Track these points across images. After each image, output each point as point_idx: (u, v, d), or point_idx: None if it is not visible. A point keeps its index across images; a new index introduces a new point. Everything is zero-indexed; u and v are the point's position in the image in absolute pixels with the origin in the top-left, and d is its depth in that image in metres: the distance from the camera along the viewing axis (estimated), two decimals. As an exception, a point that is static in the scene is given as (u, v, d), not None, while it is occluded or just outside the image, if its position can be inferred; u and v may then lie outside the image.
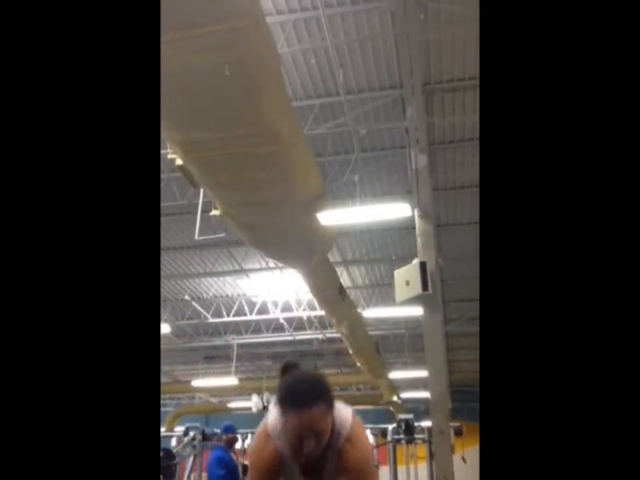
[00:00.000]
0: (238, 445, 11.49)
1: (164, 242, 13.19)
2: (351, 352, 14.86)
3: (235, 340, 18.92)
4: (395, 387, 21.39)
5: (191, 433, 10.76)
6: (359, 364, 16.16)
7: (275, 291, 15.52)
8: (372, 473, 2.64)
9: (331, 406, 2.43)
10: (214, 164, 6.15)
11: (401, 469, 11.19)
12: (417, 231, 9.47)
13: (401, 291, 8.87)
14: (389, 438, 10.68)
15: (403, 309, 12.28)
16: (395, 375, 19.78)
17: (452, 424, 9.73)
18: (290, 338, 18.17)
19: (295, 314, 16.66)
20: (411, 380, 20.19)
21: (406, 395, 22.32)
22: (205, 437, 10.84)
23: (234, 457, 9.52)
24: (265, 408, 17.97)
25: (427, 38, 8.03)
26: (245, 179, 6.36)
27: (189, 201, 10.56)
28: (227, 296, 16.89)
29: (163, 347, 14.86)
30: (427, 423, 10.23)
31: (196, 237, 9.33)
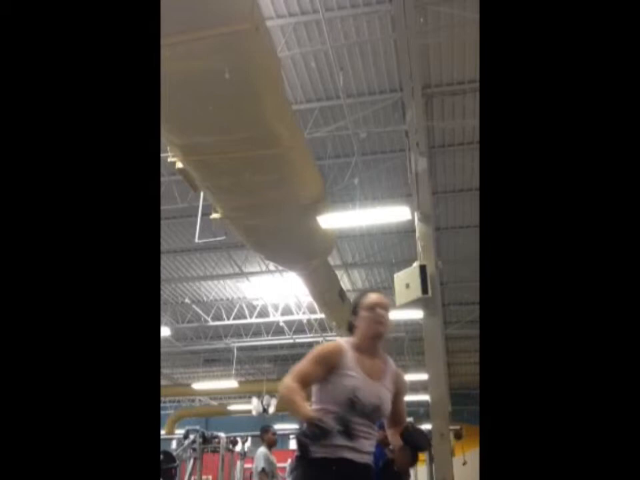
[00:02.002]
0: (238, 448, 11.46)
1: (164, 245, 13.19)
2: (351, 355, 14.81)
3: (235, 343, 18.90)
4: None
5: (191, 436, 10.75)
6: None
7: (275, 294, 15.51)
8: None
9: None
10: (214, 167, 6.16)
11: (401, 472, 11.15)
12: (417, 234, 9.47)
13: (400, 294, 8.87)
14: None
15: (403, 312, 12.26)
16: (395, 377, 19.72)
17: (452, 427, 9.72)
18: (290, 341, 18.16)
19: (295, 317, 16.64)
20: (411, 383, 20.09)
21: (406, 397, 22.26)
22: (205, 440, 10.83)
23: None
24: (265, 411, 17.95)
25: (426, 41, 8.04)
26: (245, 182, 6.37)
27: (189, 204, 10.57)
28: (227, 299, 16.87)
29: (163, 350, 14.84)
30: (426, 426, 10.21)
31: (196, 240, 9.33)
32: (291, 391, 2.76)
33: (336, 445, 2.74)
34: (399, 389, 3.05)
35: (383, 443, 8.19)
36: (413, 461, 2.96)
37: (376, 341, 2.99)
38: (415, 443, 2.94)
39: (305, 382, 2.84)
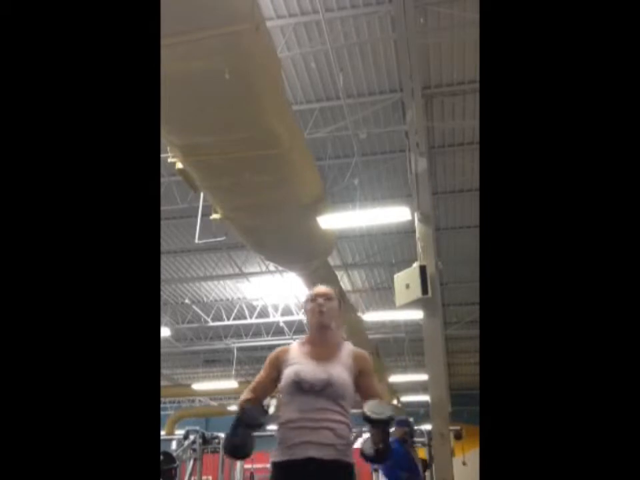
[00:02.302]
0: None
1: (164, 246, 13.19)
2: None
3: (235, 343, 18.91)
4: (395, 390, 21.36)
5: (191, 437, 10.73)
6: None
7: (275, 294, 15.51)
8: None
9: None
10: (214, 167, 6.16)
11: (401, 473, 11.16)
12: (417, 234, 9.48)
13: (400, 295, 8.88)
14: (389, 441, 10.63)
15: (403, 313, 12.29)
16: (395, 378, 19.73)
17: (452, 427, 9.73)
18: (290, 341, 18.11)
19: (295, 317, 16.64)
20: (411, 383, 20.15)
21: (406, 398, 22.28)
22: (205, 440, 10.82)
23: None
24: (265, 412, 17.94)
25: (426, 42, 8.05)
26: (245, 182, 6.37)
27: (190, 205, 10.57)
28: (227, 299, 16.87)
29: (163, 350, 14.83)
30: (426, 427, 10.21)
31: (196, 241, 9.33)
32: (240, 401, 2.98)
33: (295, 444, 2.69)
34: (362, 368, 2.93)
35: (402, 440, 7.92)
36: (383, 435, 2.74)
37: (321, 330, 2.99)
38: (372, 418, 2.71)
39: (257, 389, 3.04)
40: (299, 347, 3.01)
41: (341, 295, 11.23)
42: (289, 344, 3.15)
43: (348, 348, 3.00)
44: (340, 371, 2.83)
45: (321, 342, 2.97)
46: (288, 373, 2.85)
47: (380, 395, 2.93)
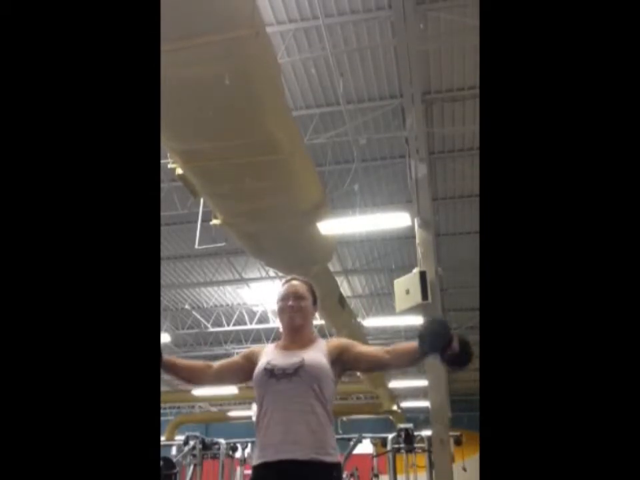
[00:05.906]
0: (238, 454, 11.43)
1: (164, 251, 13.17)
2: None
3: (235, 349, 18.88)
4: (395, 396, 21.32)
5: (191, 442, 10.71)
6: (358, 373, 16.12)
7: (275, 300, 15.46)
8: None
9: (312, 290, 3.04)
10: (214, 173, 6.16)
11: (401, 478, 11.15)
12: (417, 240, 9.48)
13: (400, 300, 8.88)
14: (389, 447, 10.63)
15: (403, 318, 12.28)
16: (395, 384, 19.71)
17: (452, 433, 9.71)
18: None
19: (294, 323, 16.59)
20: (411, 389, 20.12)
21: (406, 404, 22.25)
22: (205, 446, 10.80)
23: None
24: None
25: (426, 47, 8.05)
26: (245, 188, 6.37)
27: (189, 211, 10.56)
28: (227, 305, 16.86)
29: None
30: (426, 432, 10.19)
31: (196, 247, 9.33)
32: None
33: (268, 445, 2.59)
34: (342, 347, 2.82)
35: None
36: (449, 348, 2.53)
37: (292, 331, 2.90)
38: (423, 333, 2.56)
39: (221, 366, 2.99)
40: (273, 347, 2.93)
41: (342, 300, 11.21)
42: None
43: (322, 341, 2.91)
44: (313, 354, 2.74)
45: (295, 343, 2.87)
46: (260, 364, 2.77)
47: (378, 352, 2.79)
